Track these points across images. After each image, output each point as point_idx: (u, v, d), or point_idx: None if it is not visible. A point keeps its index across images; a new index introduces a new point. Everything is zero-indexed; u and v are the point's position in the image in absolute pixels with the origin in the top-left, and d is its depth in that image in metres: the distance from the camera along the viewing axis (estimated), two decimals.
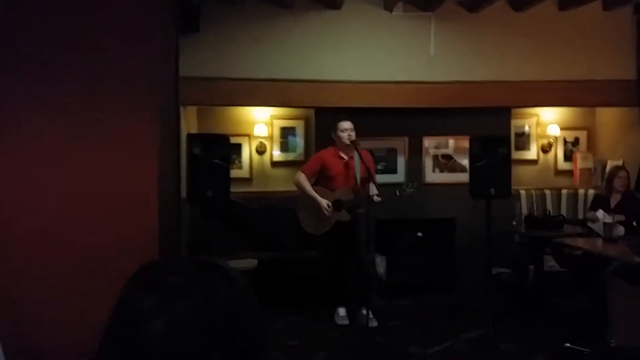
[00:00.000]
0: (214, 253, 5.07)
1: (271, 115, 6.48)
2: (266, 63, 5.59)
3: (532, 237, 5.44)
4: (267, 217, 5.92)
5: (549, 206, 6.07)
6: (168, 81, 3.53)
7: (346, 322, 5.06)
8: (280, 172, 6.48)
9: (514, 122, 6.43)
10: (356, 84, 5.68)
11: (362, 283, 4.84)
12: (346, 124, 4.96)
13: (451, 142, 6.17)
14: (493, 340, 4.54)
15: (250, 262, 5.08)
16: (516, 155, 6.33)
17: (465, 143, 5.68)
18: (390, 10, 5.73)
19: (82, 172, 2.96)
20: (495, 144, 5.31)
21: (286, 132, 6.54)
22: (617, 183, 5.31)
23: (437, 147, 6.17)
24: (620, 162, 6.09)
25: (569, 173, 6.73)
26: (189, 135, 5.15)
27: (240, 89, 5.54)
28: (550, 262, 5.51)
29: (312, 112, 6.19)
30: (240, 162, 6.44)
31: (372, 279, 5.02)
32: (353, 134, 4.93)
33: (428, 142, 6.15)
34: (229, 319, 0.85)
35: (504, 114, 6.11)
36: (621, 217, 5.00)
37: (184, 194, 4.76)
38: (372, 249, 5.24)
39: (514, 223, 5.79)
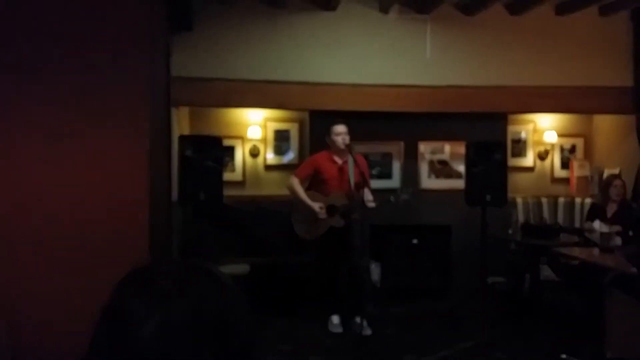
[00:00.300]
0: (206, 257, 5.01)
1: (265, 118, 6.40)
2: (260, 64, 5.52)
3: (528, 245, 5.39)
4: (260, 221, 5.85)
5: (546, 214, 6.03)
6: (159, 81, 3.48)
7: (340, 330, 4.98)
8: (274, 175, 6.40)
9: (511, 129, 6.39)
10: (351, 86, 5.63)
11: (356, 290, 4.77)
12: (341, 128, 4.90)
13: (447, 147, 6.12)
14: (487, 348, 4.49)
15: (242, 268, 5.01)
16: (512, 162, 6.29)
17: (461, 148, 5.64)
18: (386, 13, 5.67)
19: (71, 174, 2.96)
20: (492, 150, 5.28)
21: (280, 135, 6.46)
22: (613, 192, 5.27)
23: (432, 153, 6.12)
24: (617, 170, 6.06)
25: (565, 181, 6.69)
26: (181, 137, 5.08)
27: (233, 90, 5.47)
28: (546, 272, 5.46)
29: (306, 114, 6.13)
30: (233, 164, 6.36)
31: (366, 286, 4.94)
32: (347, 138, 4.87)
33: (424, 147, 6.10)
34: (219, 323, 0.84)
35: (500, 119, 6.08)
36: (618, 228, 4.96)
37: (175, 196, 4.69)
38: (366, 255, 5.18)
39: (510, 231, 5.73)
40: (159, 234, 3.32)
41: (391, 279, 5.87)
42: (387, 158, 6.05)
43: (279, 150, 6.45)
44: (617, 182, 5.34)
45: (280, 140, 6.46)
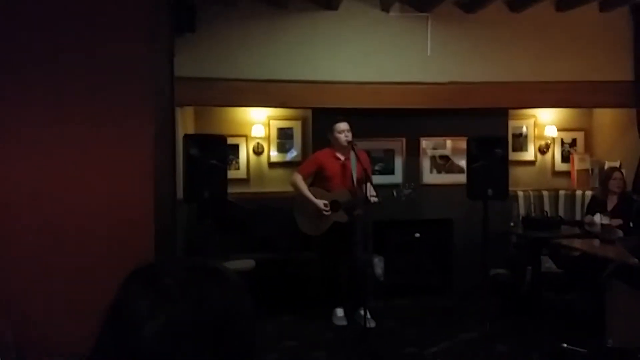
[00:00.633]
0: (211, 254, 5.07)
1: (268, 116, 6.48)
2: (262, 63, 5.57)
3: (529, 238, 5.43)
4: (265, 218, 5.91)
5: (547, 207, 6.07)
6: (163, 82, 3.53)
7: (344, 322, 5.05)
8: (278, 172, 6.48)
9: (512, 123, 6.42)
10: (353, 84, 5.67)
11: (359, 284, 4.83)
12: (343, 125, 4.96)
13: (449, 143, 6.17)
14: (490, 340, 4.54)
15: (247, 263, 5.07)
16: (514, 156, 6.33)
17: (462, 144, 5.68)
18: (387, 11, 5.72)
19: (77, 172, 2.96)
20: (493, 144, 5.31)
21: (283, 133, 6.53)
22: (613, 185, 5.29)
23: (434, 148, 6.17)
24: (617, 163, 6.08)
25: (566, 174, 6.73)
26: (186, 136, 5.13)
27: (236, 89, 5.52)
28: (547, 263, 5.50)
29: (309, 112, 6.19)
30: (237, 163, 6.44)
31: (369, 279, 5.01)
32: (350, 134, 4.93)
33: (425, 143, 6.14)
34: (222, 322, 0.85)
35: (501, 115, 6.11)
36: (619, 221, 4.98)
37: (181, 194, 4.76)
38: (369, 249, 5.24)
39: (512, 224, 5.77)
40: (164, 232, 3.33)
41: (393, 273, 5.93)
42: (390, 154, 6.10)
43: (283, 148, 6.53)
44: (617, 174, 5.35)
45: (284, 138, 6.53)
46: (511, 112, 6.28)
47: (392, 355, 4.32)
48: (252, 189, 6.41)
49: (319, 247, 5.24)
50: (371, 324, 4.77)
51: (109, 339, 0.85)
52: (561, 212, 6.12)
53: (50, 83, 2.94)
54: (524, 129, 6.69)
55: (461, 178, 5.74)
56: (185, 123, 5.93)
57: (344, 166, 5.02)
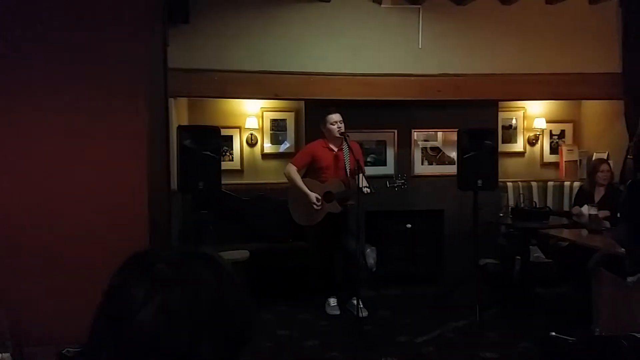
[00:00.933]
0: (205, 244, 5.11)
1: (261, 108, 6.52)
2: (256, 55, 5.60)
3: (518, 229, 5.51)
4: (258, 208, 5.95)
5: (535, 198, 6.15)
6: (156, 73, 3.54)
7: (337, 312, 5.12)
8: (271, 164, 6.52)
9: (502, 115, 6.49)
10: (345, 76, 5.71)
11: (352, 274, 4.90)
12: (335, 117, 5.00)
13: (440, 134, 6.23)
14: (480, 329, 4.63)
15: (242, 253, 5.12)
16: (503, 147, 6.40)
17: (453, 136, 5.75)
18: (379, 3, 5.76)
19: (71, 163, 2.95)
20: (483, 136, 5.39)
21: (276, 125, 6.57)
22: (600, 177, 5.33)
23: (425, 140, 6.23)
24: (605, 155, 6.16)
25: (554, 165, 6.82)
26: (180, 127, 5.16)
27: (229, 80, 5.55)
28: (536, 253, 5.58)
29: (302, 104, 6.23)
30: (231, 154, 6.48)
31: (361, 269, 5.07)
32: (342, 126, 4.98)
33: (417, 135, 6.20)
34: (216, 307, 0.86)
35: (491, 107, 6.17)
36: (606, 213, 5.04)
37: (175, 185, 4.79)
38: (362, 240, 5.30)
39: (501, 214, 5.85)
40: (159, 223, 3.35)
41: (386, 262, 6.01)
42: (382, 146, 6.16)
43: (276, 140, 6.58)
44: (604, 167, 5.39)
45: (277, 129, 6.58)
46: (501, 104, 6.35)
47: (385, 343, 4.38)
48: (246, 180, 6.46)
49: (313, 237, 5.30)
50: (364, 313, 4.84)
51: (105, 323, 0.86)
52: (550, 203, 6.20)
53: (41, 74, 2.93)
54: (514, 121, 6.77)
55: (452, 169, 5.82)
56: (179, 114, 5.96)
57: (337, 157, 5.07)
